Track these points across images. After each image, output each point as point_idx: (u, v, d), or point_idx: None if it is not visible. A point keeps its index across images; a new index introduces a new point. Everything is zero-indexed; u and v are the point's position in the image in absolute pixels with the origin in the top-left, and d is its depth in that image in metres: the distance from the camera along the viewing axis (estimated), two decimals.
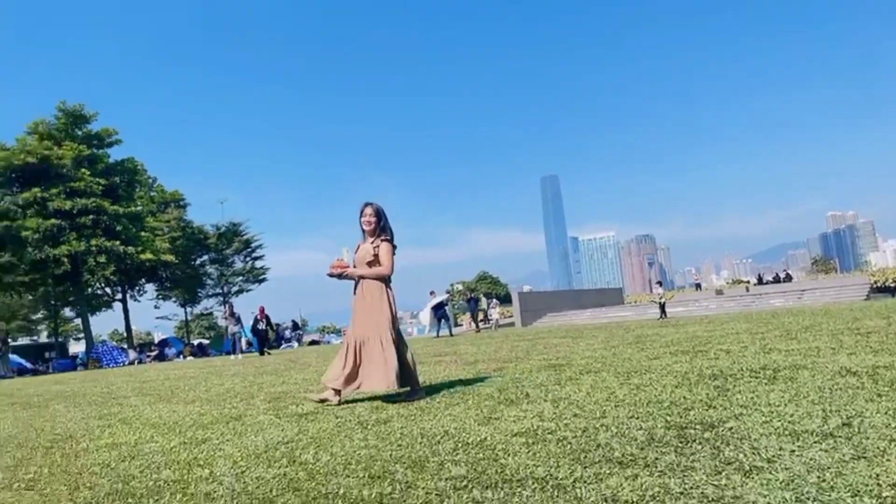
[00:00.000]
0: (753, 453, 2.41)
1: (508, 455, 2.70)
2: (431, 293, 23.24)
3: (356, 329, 4.79)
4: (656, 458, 2.45)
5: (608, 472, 2.32)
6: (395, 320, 4.81)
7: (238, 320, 21.27)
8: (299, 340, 36.86)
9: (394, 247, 4.91)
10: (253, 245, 41.74)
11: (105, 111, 34.45)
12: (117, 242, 29.91)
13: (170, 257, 32.58)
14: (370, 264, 4.81)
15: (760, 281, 49.55)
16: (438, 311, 22.35)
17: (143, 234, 32.09)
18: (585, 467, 2.41)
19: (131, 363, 29.45)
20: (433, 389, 5.24)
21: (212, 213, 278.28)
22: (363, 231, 4.91)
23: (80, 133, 32.29)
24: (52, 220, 29.15)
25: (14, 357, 29.24)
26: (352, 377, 4.71)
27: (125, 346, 36.71)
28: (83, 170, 30.83)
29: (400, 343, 4.81)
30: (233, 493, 2.49)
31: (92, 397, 7.70)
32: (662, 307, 19.99)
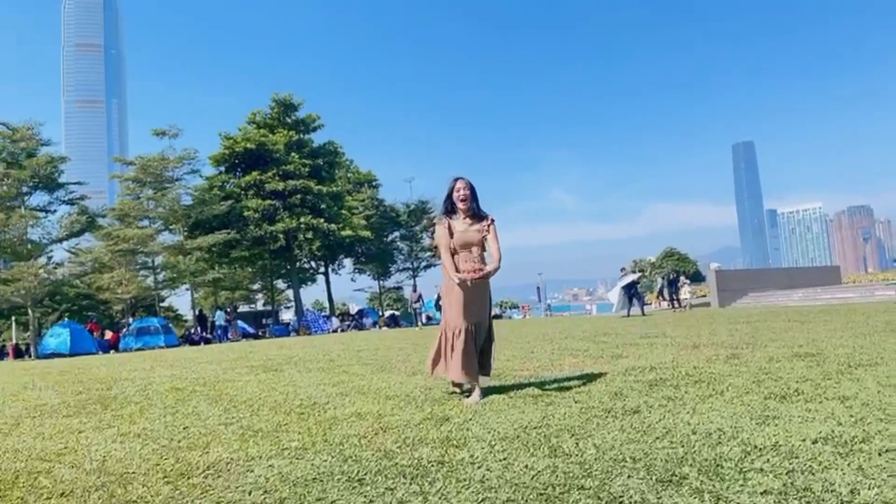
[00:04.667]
0: None
1: (827, 468, 2.24)
2: (622, 270, 22.29)
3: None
4: None
5: None
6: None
7: (419, 298, 26.47)
8: None
9: None
10: None
11: (308, 99, 37.58)
12: (322, 220, 32.63)
13: (366, 234, 34.84)
14: (480, 244, 4.44)
15: None
16: (630, 289, 21.35)
17: (342, 212, 34.66)
18: None
19: (334, 331, 32.10)
20: (661, 374, 4.79)
21: (400, 192, 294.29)
22: (453, 209, 4.47)
23: (289, 120, 35.59)
24: (269, 201, 32.54)
25: (239, 323, 33.36)
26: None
27: (327, 314, 40.23)
28: (293, 154, 33.94)
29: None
30: (507, 482, 2.33)
31: (318, 363, 8.27)
32: None
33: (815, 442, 2.60)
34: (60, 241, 29.96)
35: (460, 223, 4.43)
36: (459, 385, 4.54)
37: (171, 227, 32.35)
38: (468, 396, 4.28)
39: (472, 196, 4.43)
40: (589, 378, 4.89)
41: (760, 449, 2.55)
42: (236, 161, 34.08)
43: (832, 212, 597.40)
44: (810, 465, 2.28)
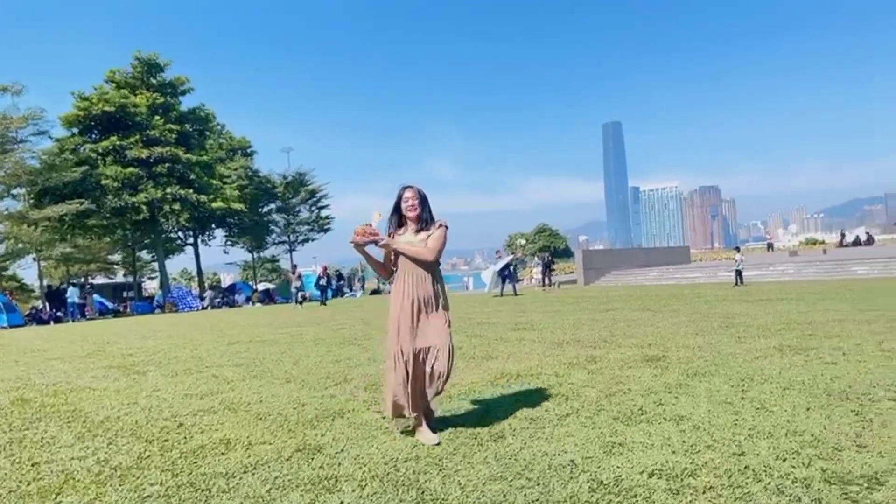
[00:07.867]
0: None
1: None
2: (497, 253, 23.14)
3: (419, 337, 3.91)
4: None
5: None
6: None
7: (299, 277, 26.39)
8: (363, 288, 37.79)
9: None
10: (318, 195, 42.38)
11: (176, 58, 35.12)
12: (191, 191, 30.84)
13: (239, 206, 33.36)
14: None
15: (843, 240, 47.19)
16: (504, 270, 22.23)
17: (213, 181, 32.91)
18: None
19: (204, 308, 30.72)
20: (526, 384, 5.12)
21: (277, 161, 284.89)
22: (403, 221, 4.00)
23: (154, 82, 32.95)
24: (131, 169, 30.19)
25: (97, 298, 30.93)
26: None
27: (195, 287, 38.42)
28: (157, 118, 31.58)
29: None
30: None
31: (185, 363, 7.94)
32: (740, 273, 19.26)
33: (651, 475, 2.92)
34: None
35: (408, 235, 3.95)
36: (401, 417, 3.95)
37: (12, 193, 29.19)
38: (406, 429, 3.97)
39: (423, 205, 3.97)
40: (459, 391, 5.10)
41: (605, 485, 2.83)
42: (92, 123, 31.24)
43: (686, 190, 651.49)
44: None
